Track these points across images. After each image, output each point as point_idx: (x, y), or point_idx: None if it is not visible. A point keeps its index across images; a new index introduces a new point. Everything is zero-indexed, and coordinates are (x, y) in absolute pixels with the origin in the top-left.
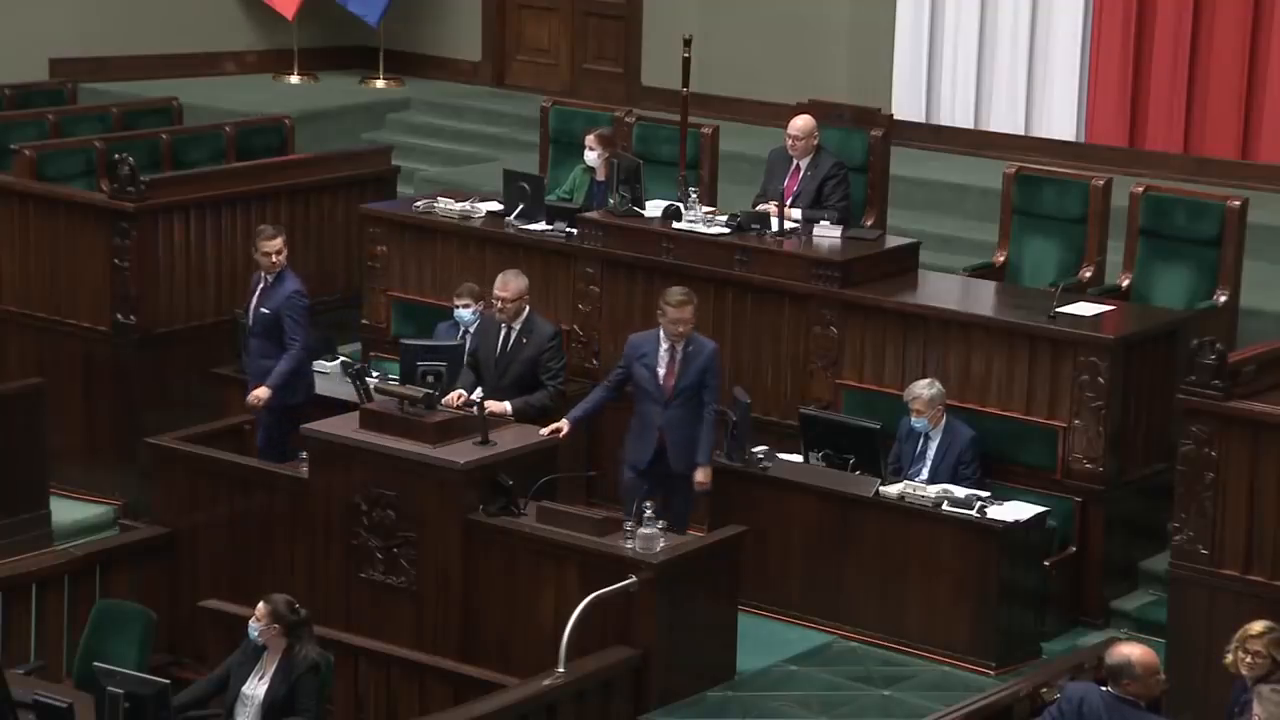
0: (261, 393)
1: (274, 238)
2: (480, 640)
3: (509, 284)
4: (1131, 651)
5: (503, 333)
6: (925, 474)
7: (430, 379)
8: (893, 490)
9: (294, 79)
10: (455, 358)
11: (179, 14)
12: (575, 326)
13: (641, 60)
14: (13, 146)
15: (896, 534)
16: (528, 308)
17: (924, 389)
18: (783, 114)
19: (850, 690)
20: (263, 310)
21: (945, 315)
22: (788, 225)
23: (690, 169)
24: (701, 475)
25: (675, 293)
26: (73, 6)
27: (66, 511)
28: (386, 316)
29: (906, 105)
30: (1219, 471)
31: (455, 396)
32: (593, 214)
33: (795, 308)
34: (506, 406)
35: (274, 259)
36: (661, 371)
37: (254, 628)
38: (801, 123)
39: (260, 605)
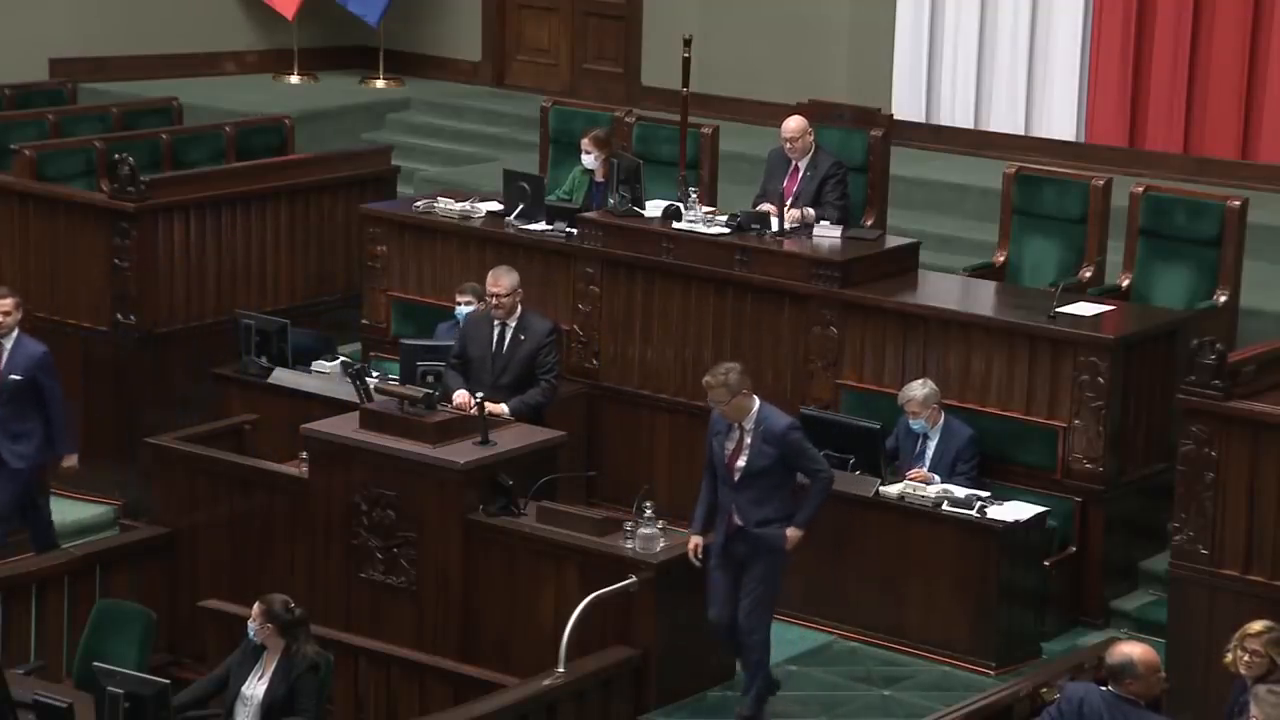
0: (73, 460)
1: (4, 298)
2: (480, 640)
3: (501, 279)
4: (1133, 650)
5: (497, 331)
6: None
7: (430, 379)
8: (893, 490)
9: (294, 79)
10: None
11: (179, 14)
12: (575, 326)
13: (641, 60)
14: (13, 146)
15: (896, 534)
16: (520, 304)
17: (917, 389)
18: (782, 114)
19: (850, 690)
20: (13, 377)
21: (945, 315)
22: (799, 226)
23: (690, 169)
24: (791, 533)
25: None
26: (73, 6)
27: (66, 511)
28: (386, 316)
29: (906, 105)
30: (1219, 471)
31: (466, 400)
32: (593, 214)
33: (795, 308)
34: (504, 408)
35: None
36: (729, 448)
37: (250, 628)
38: (794, 124)
39: (256, 605)
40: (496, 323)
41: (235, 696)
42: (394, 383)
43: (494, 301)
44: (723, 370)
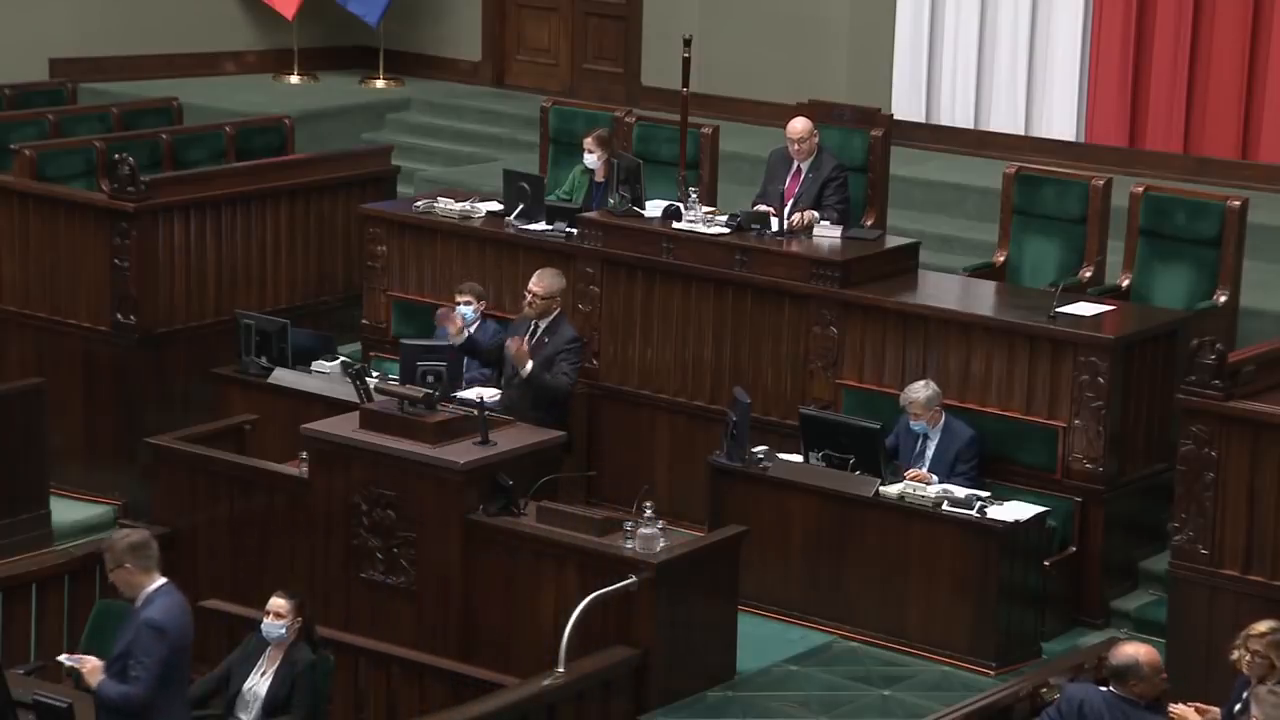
0: None
1: None
2: (480, 640)
3: (543, 280)
4: (1137, 651)
5: (528, 330)
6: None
7: (430, 379)
8: (893, 490)
9: (294, 79)
10: (455, 358)
11: (179, 14)
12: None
13: (641, 60)
14: (13, 146)
15: (896, 534)
16: (558, 309)
17: (919, 392)
18: (783, 114)
19: (850, 690)
20: None
21: (945, 315)
22: (801, 228)
23: (690, 169)
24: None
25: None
26: (73, 6)
27: (66, 511)
28: (386, 316)
29: (906, 105)
30: (1219, 471)
31: (517, 342)
32: (593, 214)
33: (795, 308)
34: (528, 365)
35: None
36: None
37: (277, 625)
38: (801, 125)
39: (280, 601)
40: (532, 323)
41: (237, 693)
42: (394, 383)
43: (528, 298)
44: (122, 534)
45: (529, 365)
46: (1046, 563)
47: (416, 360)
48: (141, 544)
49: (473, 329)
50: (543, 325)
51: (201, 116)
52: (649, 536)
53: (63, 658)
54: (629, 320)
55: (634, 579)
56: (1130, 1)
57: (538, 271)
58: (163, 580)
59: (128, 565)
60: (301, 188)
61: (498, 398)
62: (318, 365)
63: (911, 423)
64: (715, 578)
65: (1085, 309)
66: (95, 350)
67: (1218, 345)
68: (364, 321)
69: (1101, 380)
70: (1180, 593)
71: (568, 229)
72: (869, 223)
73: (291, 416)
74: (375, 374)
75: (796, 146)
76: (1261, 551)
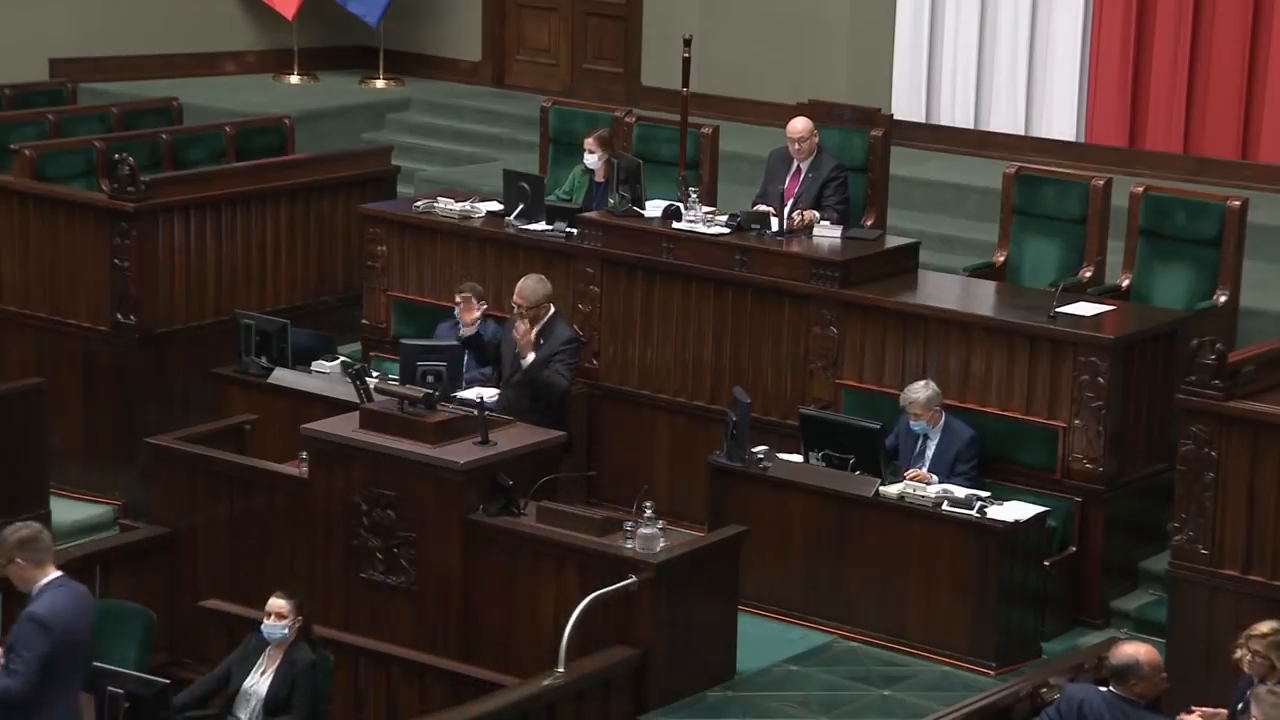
0: None
1: None
2: (480, 640)
3: (523, 292)
4: (1138, 651)
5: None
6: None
7: (430, 379)
8: (893, 490)
9: (294, 79)
10: (455, 358)
11: (178, 14)
12: (575, 326)
13: (641, 60)
14: (13, 146)
15: (896, 534)
16: (551, 311)
17: (919, 392)
18: (783, 114)
19: (850, 690)
20: None
21: (945, 315)
22: (802, 227)
23: (690, 169)
24: None
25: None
26: (73, 6)
27: (66, 511)
28: (386, 316)
29: (906, 105)
30: (1219, 471)
31: (523, 326)
32: (593, 214)
33: (795, 308)
34: (531, 355)
35: None
36: None
37: (278, 626)
38: (801, 125)
39: (279, 602)
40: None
41: (236, 693)
42: (394, 383)
43: (515, 311)
44: (12, 528)
45: (531, 355)
46: (1046, 563)
47: (416, 360)
48: (31, 538)
49: (477, 327)
50: (537, 328)
51: (201, 116)
52: (649, 536)
53: None
54: (629, 320)
55: (634, 579)
56: (1130, 1)
57: (519, 282)
58: (56, 574)
59: (18, 560)
60: (301, 188)
61: (497, 398)
62: (318, 365)
63: (911, 423)
64: (715, 578)
65: (1085, 309)
66: (95, 350)
67: (1218, 345)
68: (364, 321)
69: (1101, 380)
70: (1180, 593)
71: (568, 229)
72: (869, 223)
73: (291, 416)
74: (375, 374)
75: (796, 146)
76: (1261, 551)
